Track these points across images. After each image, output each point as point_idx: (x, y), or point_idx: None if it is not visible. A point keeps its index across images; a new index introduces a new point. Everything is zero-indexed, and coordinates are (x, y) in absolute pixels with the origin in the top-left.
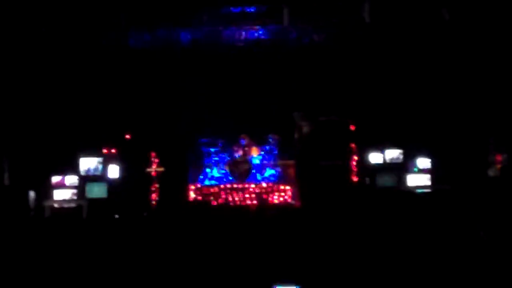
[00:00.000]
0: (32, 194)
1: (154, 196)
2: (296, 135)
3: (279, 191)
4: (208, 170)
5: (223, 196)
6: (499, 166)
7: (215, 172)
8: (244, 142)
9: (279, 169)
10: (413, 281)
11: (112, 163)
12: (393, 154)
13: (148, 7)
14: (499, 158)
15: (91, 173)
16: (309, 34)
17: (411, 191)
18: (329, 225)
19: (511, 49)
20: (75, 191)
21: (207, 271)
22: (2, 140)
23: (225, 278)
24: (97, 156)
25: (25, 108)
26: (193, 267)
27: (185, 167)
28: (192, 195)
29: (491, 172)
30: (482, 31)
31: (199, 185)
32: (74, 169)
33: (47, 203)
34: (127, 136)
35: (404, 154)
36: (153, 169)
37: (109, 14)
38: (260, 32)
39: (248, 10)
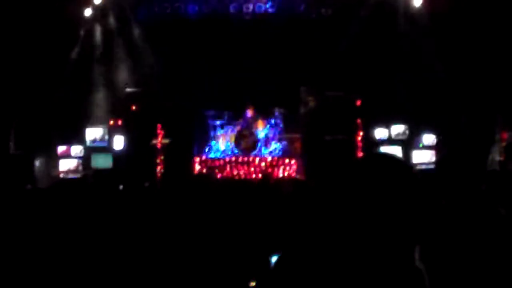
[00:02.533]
0: (37, 163)
1: (159, 167)
2: (302, 109)
3: (284, 164)
4: (213, 142)
5: (228, 169)
6: (504, 143)
7: (221, 145)
8: (250, 114)
9: (284, 143)
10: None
11: (117, 134)
12: (398, 129)
13: None
14: (505, 136)
15: (96, 143)
16: (316, 8)
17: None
18: (334, 199)
19: None
20: (80, 161)
21: (207, 243)
22: (8, 109)
23: (225, 250)
24: (103, 127)
25: (31, 78)
26: (194, 238)
27: (190, 140)
28: (197, 167)
29: (494, 150)
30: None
31: (204, 158)
32: (80, 140)
33: (52, 173)
34: (133, 108)
35: (410, 130)
36: (159, 141)
37: None
38: (268, 5)
39: None
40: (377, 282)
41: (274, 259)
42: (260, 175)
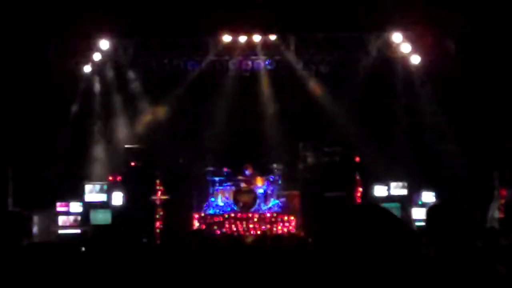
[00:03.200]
0: (36, 220)
1: (158, 223)
2: (300, 165)
3: (283, 221)
4: (212, 199)
5: (227, 226)
6: (503, 201)
7: (220, 201)
8: (249, 171)
9: (283, 199)
10: None
11: (116, 190)
12: (397, 187)
13: (157, 36)
14: (503, 192)
15: (95, 200)
16: (315, 65)
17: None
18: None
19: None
20: (79, 217)
21: None
22: (7, 165)
23: None
24: (102, 183)
25: (29, 133)
26: None
27: (189, 196)
28: (196, 224)
29: (493, 207)
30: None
31: (203, 214)
32: (78, 196)
33: (52, 229)
34: (132, 164)
35: (409, 187)
36: (158, 197)
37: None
38: (267, 63)
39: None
40: None
41: None
42: (259, 232)
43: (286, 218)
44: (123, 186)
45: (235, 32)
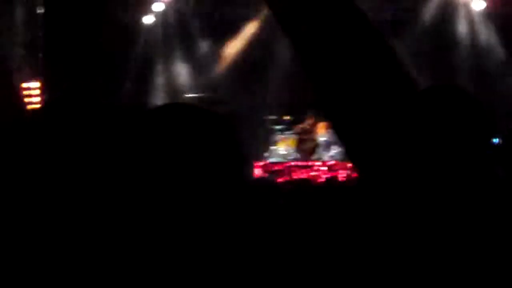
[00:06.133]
0: None
1: None
2: None
3: (345, 169)
4: (274, 147)
5: (289, 174)
6: None
7: (281, 150)
8: (310, 120)
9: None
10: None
11: None
12: None
13: None
14: None
15: None
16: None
17: None
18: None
19: None
20: None
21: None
22: None
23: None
24: None
25: (88, 90)
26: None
27: (251, 144)
28: (258, 172)
29: None
30: None
31: (264, 162)
32: None
33: None
34: None
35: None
36: None
37: None
38: None
39: None
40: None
41: None
42: (321, 179)
43: (348, 165)
44: None
45: None
